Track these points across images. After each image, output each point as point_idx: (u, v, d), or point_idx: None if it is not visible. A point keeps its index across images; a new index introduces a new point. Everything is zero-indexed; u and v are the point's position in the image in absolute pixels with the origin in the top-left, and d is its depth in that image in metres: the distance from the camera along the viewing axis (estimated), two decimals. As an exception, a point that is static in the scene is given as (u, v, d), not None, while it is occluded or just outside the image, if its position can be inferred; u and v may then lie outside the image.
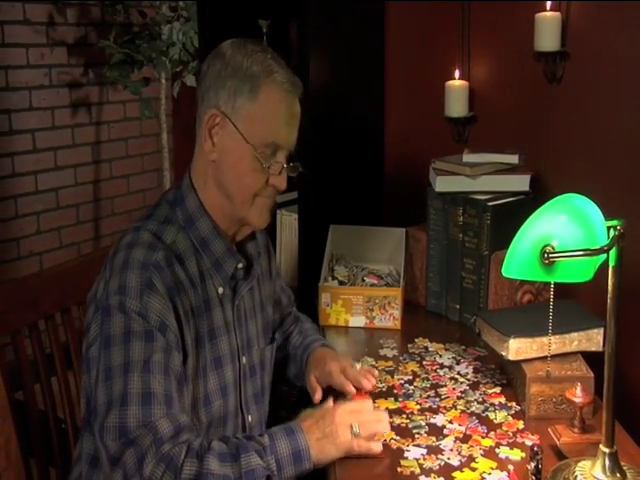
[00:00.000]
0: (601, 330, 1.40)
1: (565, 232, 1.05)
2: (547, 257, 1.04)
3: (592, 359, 1.37)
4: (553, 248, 1.05)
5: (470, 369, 1.57)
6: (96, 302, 1.19)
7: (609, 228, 1.07)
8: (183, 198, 1.25)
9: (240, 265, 1.28)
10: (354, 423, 1.20)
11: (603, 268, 1.10)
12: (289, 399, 1.65)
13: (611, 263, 1.08)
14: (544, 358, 1.34)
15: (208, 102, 1.22)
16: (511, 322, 1.44)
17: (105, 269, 1.21)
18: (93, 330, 1.17)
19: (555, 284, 1.12)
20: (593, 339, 1.41)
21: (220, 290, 1.26)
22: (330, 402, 1.26)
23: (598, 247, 1.03)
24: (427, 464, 1.23)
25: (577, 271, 1.05)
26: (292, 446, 1.14)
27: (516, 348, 1.38)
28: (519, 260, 1.06)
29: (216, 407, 1.25)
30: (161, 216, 1.24)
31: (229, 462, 1.09)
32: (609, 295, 1.10)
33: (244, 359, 1.32)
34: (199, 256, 1.24)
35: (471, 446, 1.28)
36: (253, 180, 1.22)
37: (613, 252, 1.07)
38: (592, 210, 1.08)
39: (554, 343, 1.38)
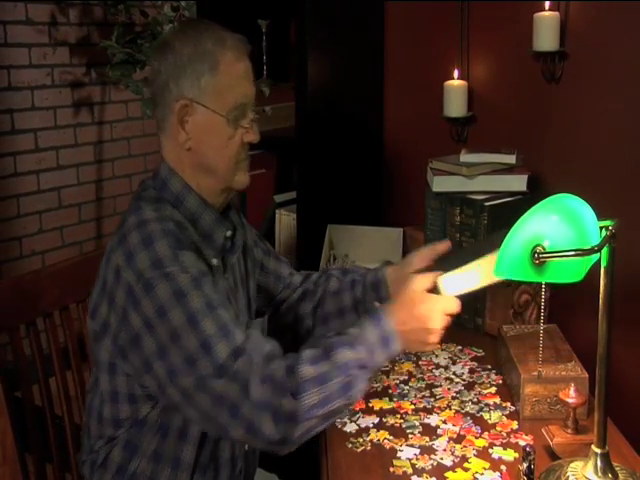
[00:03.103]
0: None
1: (556, 232, 1.05)
2: (538, 257, 1.04)
3: (587, 360, 1.37)
4: (544, 248, 1.04)
5: (466, 369, 1.57)
6: (113, 291, 1.19)
7: (602, 228, 1.07)
8: (165, 183, 1.28)
9: (229, 233, 1.32)
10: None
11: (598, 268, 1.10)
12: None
13: (603, 263, 1.08)
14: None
15: (169, 96, 1.25)
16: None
17: (109, 261, 1.20)
18: (115, 317, 1.18)
19: (550, 284, 1.12)
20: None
21: (214, 262, 1.29)
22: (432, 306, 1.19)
23: (589, 247, 1.03)
24: (420, 464, 1.24)
25: (568, 271, 1.05)
26: (380, 331, 1.16)
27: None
28: (510, 260, 1.06)
29: None
30: (151, 199, 1.27)
31: (322, 362, 1.12)
32: (601, 295, 1.10)
33: None
34: (192, 230, 1.27)
35: (464, 446, 1.29)
36: (232, 148, 1.27)
37: (605, 252, 1.07)
38: (584, 210, 1.08)
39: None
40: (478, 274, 1.19)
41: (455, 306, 1.17)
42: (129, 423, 1.25)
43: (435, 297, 1.18)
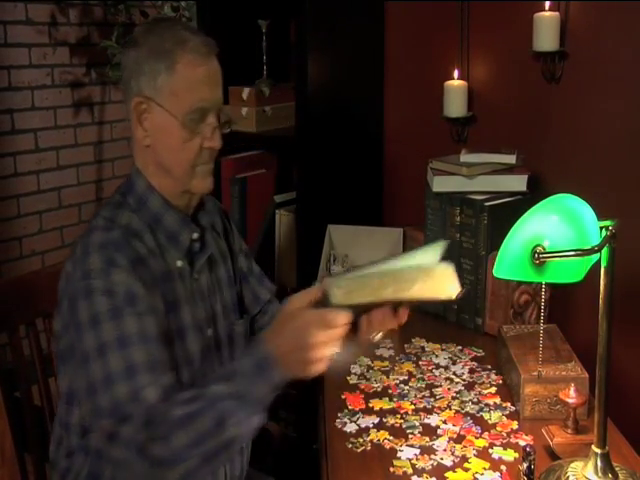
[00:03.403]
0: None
1: (556, 232, 1.05)
2: (538, 257, 1.04)
3: (587, 360, 1.37)
4: (544, 248, 1.04)
5: (466, 369, 1.57)
6: (62, 298, 1.22)
7: (602, 228, 1.07)
8: (133, 184, 1.29)
9: (195, 235, 1.30)
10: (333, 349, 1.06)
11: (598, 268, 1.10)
12: (288, 399, 1.65)
13: (603, 263, 1.08)
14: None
15: (131, 93, 1.24)
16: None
17: (65, 266, 1.23)
18: (60, 322, 1.22)
19: (549, 285, 1.12)
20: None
21: (179, 264, 1.27)
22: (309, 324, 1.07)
23: (589, 247, 1.03)
24: (420, 464, 1.24)
25: (568, 271, 1.05)
26: (254, 358, 1.08)
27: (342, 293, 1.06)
28: (510, 260, 1.06)
29: (183, 377, 1.24)
30: (113, 204, 1.28)
31: (194, 402, 1.08)
32: (601, 295, 1.10)
33: (209, 331, 1.31)
34: (154, 233, 1.26)
35: (464, 446, 1.28)
36: (188, 152, 1.24)
37: (605, 252, 1.07)
38: (584, 210, 1.08)
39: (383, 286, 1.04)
40: (374, 287, 1.03)
41: (339, 317, 1.03)
42: (77, 431, 1.25)
43: (310, 311, 1.06)
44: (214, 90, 1.25)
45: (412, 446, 1.29)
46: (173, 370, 1.17)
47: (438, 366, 1.59)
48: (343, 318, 1.04)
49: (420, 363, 1.60)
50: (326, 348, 1.04)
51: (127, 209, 1.26)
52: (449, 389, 1.48)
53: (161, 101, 1.22)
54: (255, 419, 1.07)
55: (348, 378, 1.53)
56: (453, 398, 1.45)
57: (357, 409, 1.41)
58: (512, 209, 1.68)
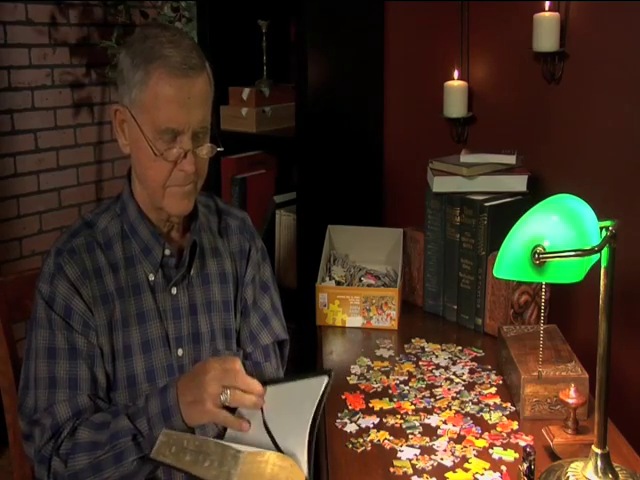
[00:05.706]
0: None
1: (556, 232, 1.05)
2: (538, 257, 1.04)
3: (587, 360, 1.37)
4: (544, 248, 1.04)
5: (466, 370, 1.57)
6: None
7: (602, 229, 1.07)
8: (123, 189, 1.31)
9: (167, 252, 1.27)
10: (225, 390, 1.09)
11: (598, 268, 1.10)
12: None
13: (603, 264, 1.08)
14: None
15: (117, 99, 1.23)
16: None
17: None
18: None
19: (549, 285, 1.12)
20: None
21: (151, 277, 1.26)
22: (209, 361, 1.15)
23: (589, 248, 1.03)
24: (420, 464, 1.23)
25: (568, 272, 1.05)
26: (162, 404, 1.12)
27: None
28: (510, 260, 1.06)
29: (142, 390, 1.23)
30: (104, 206, 1.31)
31: (102, 429, 1.15)
32: (601, 296, 1.09)
33: (180, 351, 1.28)
34: (127, 242, 1.27)
35: (465, 447, 1.28)
36: (156, 171, 1.19)
37: (605, 252, 1.07)
38: (584, 211, 1.08)
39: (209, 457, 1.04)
40: (185, 453, 1.04)
41: (236, 360, 1.11)
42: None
43: (214, 365, 1.11)
44: (190, 112, 1.16)
45: (412, 446, 1.29)
46: (94, 390, 1.21)
47: (438, 366, 1.59)
48: (236, 362, 1.11)
49: (420, 363, 1.60)
50: (217, 386, 1.08)
51: (111, 212, 1.28)
52: (449, 389, 1.48)
53: (135, 114, 1.18)
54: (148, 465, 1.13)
55: (348, 378, 1.53)
56: (453, 398, 1.45)
57: (357, 409, 1.41)
58: (512, 209, 1.69)
